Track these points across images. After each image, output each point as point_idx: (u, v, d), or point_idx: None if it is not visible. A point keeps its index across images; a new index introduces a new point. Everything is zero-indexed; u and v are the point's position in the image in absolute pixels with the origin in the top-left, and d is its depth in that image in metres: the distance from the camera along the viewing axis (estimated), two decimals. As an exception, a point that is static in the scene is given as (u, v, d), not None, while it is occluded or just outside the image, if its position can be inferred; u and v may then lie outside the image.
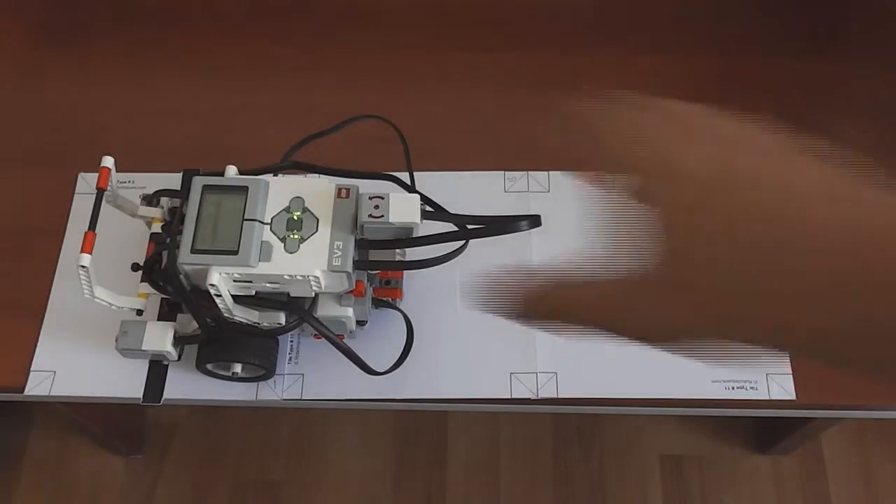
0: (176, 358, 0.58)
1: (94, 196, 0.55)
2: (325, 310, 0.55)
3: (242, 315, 0.54)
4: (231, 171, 0.56)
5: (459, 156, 0.70)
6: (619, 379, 0.61)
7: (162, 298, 0.57)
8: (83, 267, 0.52)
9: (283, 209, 0.53)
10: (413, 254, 0.55)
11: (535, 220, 0.49)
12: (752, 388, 0.61)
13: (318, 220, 0.52)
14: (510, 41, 0.77)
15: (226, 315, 0.54)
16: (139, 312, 0.57)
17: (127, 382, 0.61)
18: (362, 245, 0.53)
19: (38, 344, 0.63)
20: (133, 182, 0.69)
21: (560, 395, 0.61)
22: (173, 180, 0.69)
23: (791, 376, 0.61)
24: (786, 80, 0.74)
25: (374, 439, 1.02)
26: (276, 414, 1.03)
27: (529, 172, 0.69)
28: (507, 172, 0.69)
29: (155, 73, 0.76)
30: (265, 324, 0.55)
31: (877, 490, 0.98)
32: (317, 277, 0.51)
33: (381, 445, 1.02)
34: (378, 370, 0.57)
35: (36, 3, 0.80)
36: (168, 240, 0.54)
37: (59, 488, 1.00)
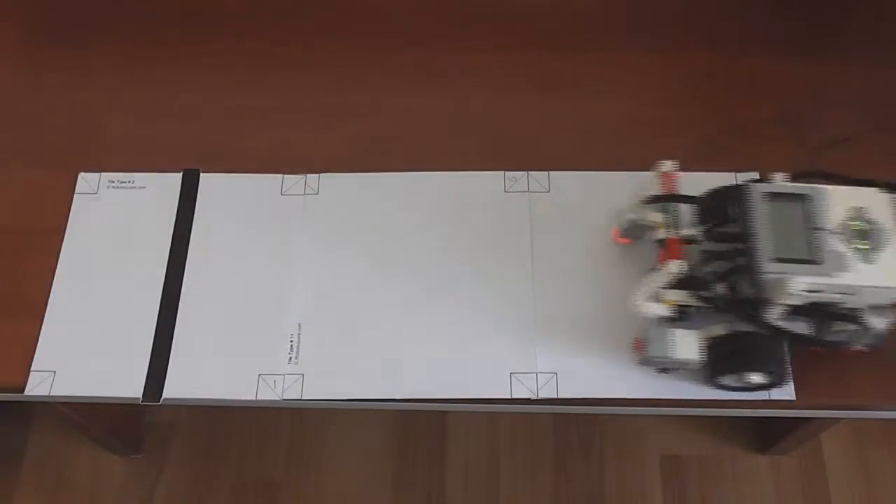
0: (698, 367, 0.57)
1: (661, 205, 0.56)
2: (871, 321, 0.54)
3: (789, 325, 0.54)
4: (778, 178, 0.56)
5: (460, 156, 0.70)
6: (619, 379, 0.61)
7: (682, 305, 0.56)
8: (672, 273, 0.53)
9: (846, 219, 0.52)
10: None
11: None
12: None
13: (887, 230, 0.52)
14: (510, 41, 0.77)
15: (773, 324, 0.53)
16: (666, 320, 0.56)
17: (127, 382, 0.61)
18: None
19: (38, 344, 0.63)
20: (133, 182, 0.69)
21: (560, 396, 0.61)
22: (174, 180, 0.69)
23: (791, 377, 0.61)
24: (786, 80, 0.74)
25: (374, 439, 1.02)
26: (276, 414, 1.03)
27: (529, 172, 0.69)
28: (507, 172, 0.69)
29: (155, 73, 0.76)
30: (805, 332, 0.54)
31: (876, 489, 0.98)
32: (893, 289, 0.51)
33: (382, 445, 1.02)
34: None
35: (36, 3, 0.80)
36: (727, 249, 0.53)
37: (59, 488, 1.00)
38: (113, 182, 0.70)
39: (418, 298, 0.64)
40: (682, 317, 0.56)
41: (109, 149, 0.72)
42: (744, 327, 0.55)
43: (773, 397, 0.60)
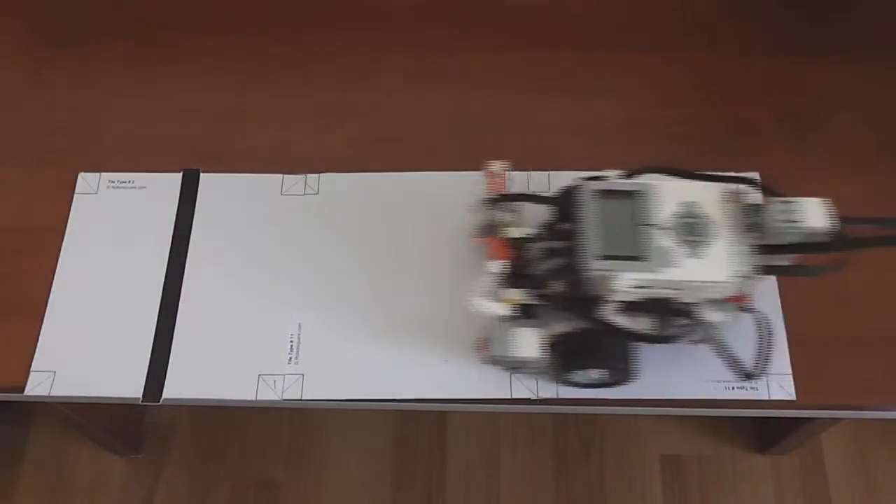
0: (541, 366, 0.57)
1: (486, 203, 0.55)
2: (706, 315, 0.54)
3: (621, 320, 0.54)
4: (612, 175, 0.56)
5: (460, 156, 0.70)
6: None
7: (522, 304, 0.56)
8: (493, 274, 0.52)
9: (676, 214, 0.52)
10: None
11: None
12: (752, 388, 0.61)
13: (714, 225, 0.52)
14: (510, 41, 0.77)
15: (608, 321, 0.53)
16: (504, 319, 0.56)
17: (127, 382, 0.61)
18: (757, 250, 0.52)
19: (38, 344, 0.63)
20: (133, 182, 0.69)
21: (560, 396, 0.61)
22: (173, 180, 0.69)
23: (791, 376, 0.61)
24: (786, 80, 0.74)
25: (374, 439, 1.02)
26: (276, 414, 1.03)
27: (529, 172, 0.69)
28: (507, 172, 0.69)
29: (155, 73, 0.76)
30: (642, 329, 0.54)
31: (877, 489, 0.98)
32: (723, 283, 0.50)
33: (381, 446, 1.02)
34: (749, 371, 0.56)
35: (36, 4, 0.80)
36: (560, 246, 0.53)
37: (58, 488, 1.00)
38: (113, 182, 0.70)
39: (418, 298, 0.64)
40: (529, 315, 0.56)
41: (109, 149, 0.72)
42: (584, 325, 0.54)
43: (772, 397, 0.60)
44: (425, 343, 0.62)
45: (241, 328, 0.63)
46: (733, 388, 0.61)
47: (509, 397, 0.61)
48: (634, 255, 0.51)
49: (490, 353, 0.56)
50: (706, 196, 0.53)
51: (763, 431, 1.00)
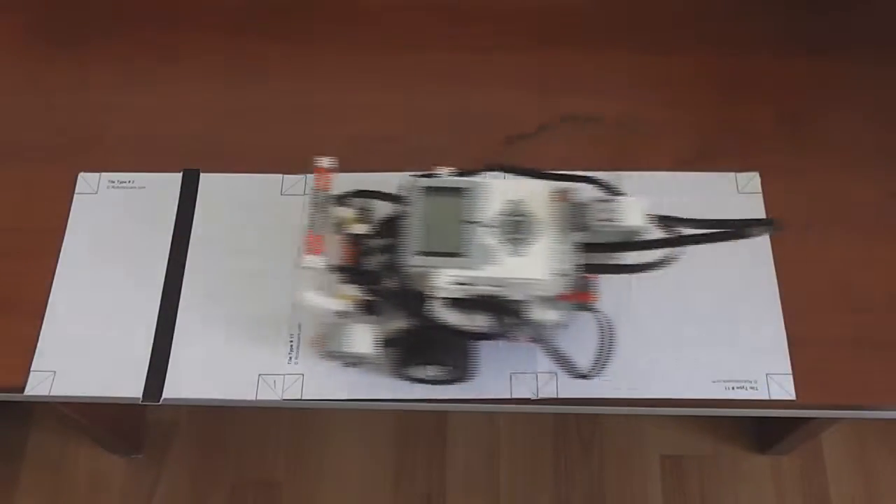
0: (376, 361, 0.57)
1: (311, 198, 0.55)
2: (535, 313, 0.54)
3: (451, 318, 0.54)
4: (444, 172, 0.56)
5: (459, 155, 0.70)
6: (619, 379, 0.61)
7: (361, 300, 0.56)
8: (310, 269, 0.52)
9: (503, 212, 0.52)
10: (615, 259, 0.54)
11: (770, 225, 0.47)
12: (752, 388, 0.61)
13: (539, 223, 0.52)
14: (510, 41, 0.77)
15: (436, 317, 0.53)
16: (339, 315, 0.56)
17: (127, 382, 0.61)
18: (582, 248, 0.52)
19: (38, 344, 0.63)
20: (133, 182, 0.69)
21: (560, 396, 0.61)
22: (174, 180, 0.69)
23: (791, 376, 0.61)
24: (786, 80, 0.74)
25: (374, 439, 1.02)
26: (276, 414, 1.03)
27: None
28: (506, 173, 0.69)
29: (155, 73, 0.76)
30: (473, 327, 0.55)
31: (877, 489, 0.98)
32: (542, 281, 0.51)
33: (381, 446, 1.02)
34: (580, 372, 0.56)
35: (36, 3, 0.80)
36: (383, 242, 0.53)
37: (59, 488, 1.00)
38: (113, 182, 0.70)
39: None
40: (371, 311, 0.56)
41: (109, 149, 0.72)
42: (414, 321, 0.54)
43: (772, 397, 0.60)
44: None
45: (241, 328, 0.63)
46: (733, 388, 0.61)
47: (509, 397, 0.61)
48: (454, 252, 0.51)
49: (325, 348, 0.56)
50: (534, 194, 0.53)
51: (763, 431, 1.00)
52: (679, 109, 0.73)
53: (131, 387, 0.61)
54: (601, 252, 0.53)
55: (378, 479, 1.00)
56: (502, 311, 0.53)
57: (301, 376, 0.61)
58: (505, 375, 0.61)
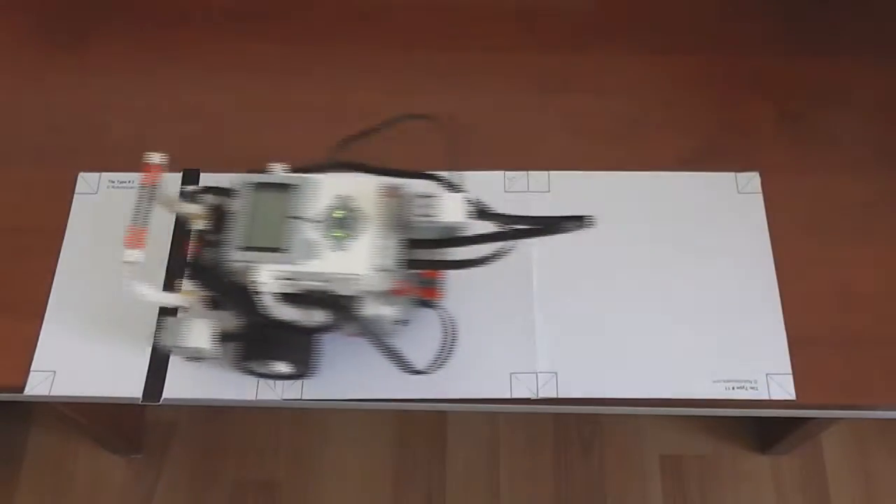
0: (215, 355, 0.57)
1: (139, 192, 0.54)
2: (368, 308, 0.55)
3: (286, 313, 0.54)
4: (277, 169, 0.56)
5: (460, 155, 0.70)
6: (619, 379, 0.61)
7: (204, 296, 0.57)
8: (130, 263, 0.52)
9: (330, 208, 0.53)
10: (453, 254, 0.55)
11: (583, 221, 0.49)
12: (752, 387, 0.61)
13: (364, 219, 0.52)
14: (510, 41, 0.77)
15: (270, 313, 0.54)
16: (180, 310, 0.57)
17: (127, 382, 0.61)
18: (407, 245, 0.53)
19: (38, 344, 0.63)
20: (133, 182, 0.69)
21: (560, 395, 0.61)
22: (174, 180, 0.69)
23: (791, 376, 0.61)
24: (786, 80, 0.74)
25: (373, 439, 1.02)
26: (276, 414, 1.03)
27: (529, 172, 0.69)
28: (506, 172, 0.69)
29: (155, 73, 0.76)
30: (308, 322, 0.55)
31: (877, 489, 0.98)
32: (362, 276, 0.51)
33: (381, 445, 1.02)
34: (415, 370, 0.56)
35: (36, 4, 0.80)
36: (216, 237, 0.53)
37: (58, 488, 1.00)
38: (113, 182, 0.70)
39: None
40: (216, 306, 0.56)
41: (109, 149, 0.72)
42: (245, 316, 0.55)
43: (772, 396, 0.60)
44: (425, 342, 0.62)
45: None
46: (733, 387, 0.61)
47: (509, 397, 0.61)
48: (275, 247, 0.51)
49: (160, 341, 0.56)
50: (363, 191, 0.53)
51: (763, 431, 1.00)
52: (679, 109, 0.73)
53: (131, 387, 0.61)
54: (429, 248, 0.54)
55: (378, 479, 1.00)
56: (332, 306, 0.53)
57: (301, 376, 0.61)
58: (505, 375, 0.61)
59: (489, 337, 0.62)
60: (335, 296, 0.53)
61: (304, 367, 0.59)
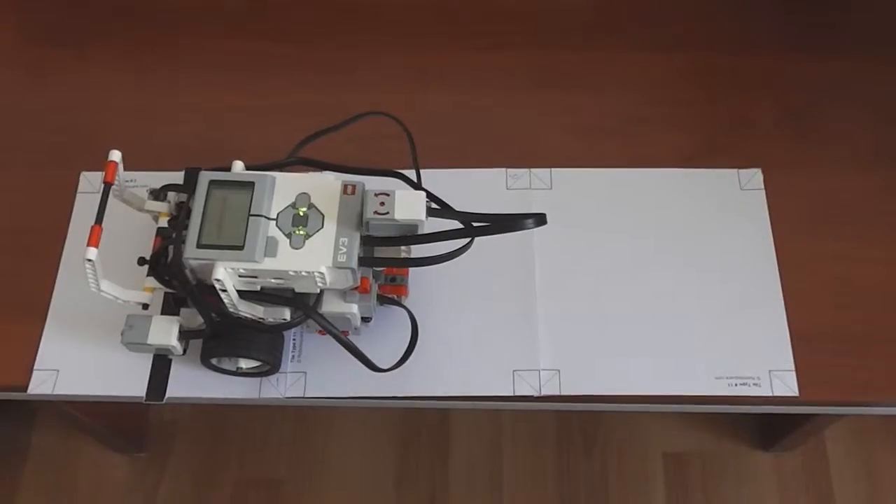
0: (181, 352, 0.58)
1: (101, 190, 0.54)
2: (330, 306, 0.55)
3: (247, 310, 0.54)
4: (237, 166, 0.56)
5: (461, 153, 0.70)
6: (622, 376, 0.61)
7: (167, 293, 0.57)
8: (89, 261, 0.52)
9: (290, 205, 0.53)
10: (418, 251, 0.55)
11: (540, 219, 0.49)
12: (755, 384, 0.60)
13: (323, 216, 0.52)
14: (511, 40, 0.77)
15: (231, 310, 0.54)
16: (145, 307, 0.57)
17: (130, 381, 0.61)
18: (368, 242, 0.53)
19: (41, 343, 0.63)
20: (135, 181, 0.69)
21: (563, 393, 0.61)
22: (175, 179, 0.69)
23: (794, 373, 0.61)
24: (787, 77, 0.74)
25: (376, 437, 1.02)
26: (278, 412, 1.03)
27: (531, 169, 0.69)
28: (508, 169, 0.69)
29: (155, 72, 0.76)
30: (270, 319, 0.55)
31: (880, 486, 0.98)
32: (322, 274, 0.51)
33: (384, 443, 1.02)
34: (382, 367, 0.57)
35: (37, 3, 0.80)
36: (174, 234, 0.53)
37: (61, 486, 1.00)
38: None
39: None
40: (181, 303, 0.56)
41: (111, 148, 0.72)
42: (205, 314, 0.54)
43: (775, 393, 0.60)
44: (427, 340, 0.62)
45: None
46: (737, 384, 0.61)
47: (511, 394, 0.61)
48: (233, 245, 0.51)
49: (124, 339, 0.56)
50: (326, 188, 0.53)
51: (766, 428, 1.00)
52: (681, 107, 0.73)
53: (134, 386, 0.61)
54: (389, 245, 0.54)
55: (381, 477, 1.00)
56: (293, 303, 0.54)
57: (304, 374, 0.61)
58: (507, 372, 0.61)
59: (492, 334, 0.62)
60: (297, 293, 0.53)
61: (270, 365, 0.59)
